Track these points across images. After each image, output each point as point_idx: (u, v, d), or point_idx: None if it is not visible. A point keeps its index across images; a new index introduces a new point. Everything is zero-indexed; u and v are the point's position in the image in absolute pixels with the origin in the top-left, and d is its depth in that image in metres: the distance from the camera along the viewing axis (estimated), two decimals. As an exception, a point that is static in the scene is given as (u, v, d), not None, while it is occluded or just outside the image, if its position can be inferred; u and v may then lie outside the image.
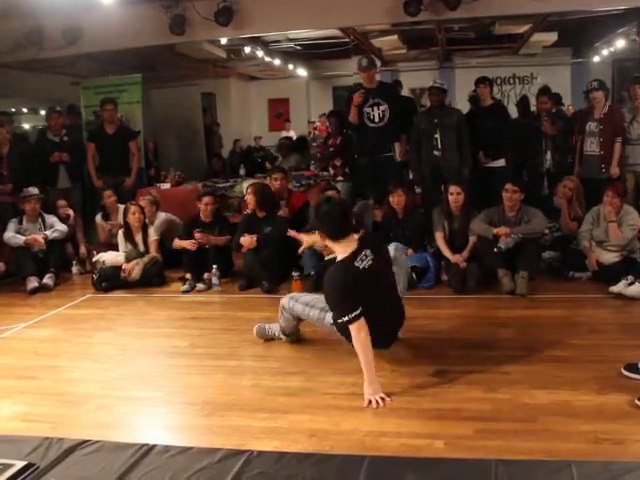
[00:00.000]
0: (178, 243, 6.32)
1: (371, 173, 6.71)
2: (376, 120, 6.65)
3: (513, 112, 8.53)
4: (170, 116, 11.32)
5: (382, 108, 6.64)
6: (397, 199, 6.08)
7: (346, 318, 3.43)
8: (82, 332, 4.97)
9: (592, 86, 6.58)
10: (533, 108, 8.10)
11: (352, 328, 3.44)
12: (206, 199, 6.44)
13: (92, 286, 6.25)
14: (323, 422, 3.20)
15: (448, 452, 2.84)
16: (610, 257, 5.63)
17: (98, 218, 7.22)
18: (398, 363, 3.91)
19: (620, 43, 11.27)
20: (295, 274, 5.75)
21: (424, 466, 2.70)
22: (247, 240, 6.05)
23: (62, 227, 6.75)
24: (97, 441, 2.94)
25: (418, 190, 7.05)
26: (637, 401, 3.19)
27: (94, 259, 6.58)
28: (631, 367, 3.54)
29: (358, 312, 3.42)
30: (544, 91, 7.43)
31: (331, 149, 8.31)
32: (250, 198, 6.27)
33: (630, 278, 5.16)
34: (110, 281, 6.24)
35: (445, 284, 5.79)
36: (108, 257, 6.45)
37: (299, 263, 6.09)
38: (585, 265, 5.72)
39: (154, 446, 2.88)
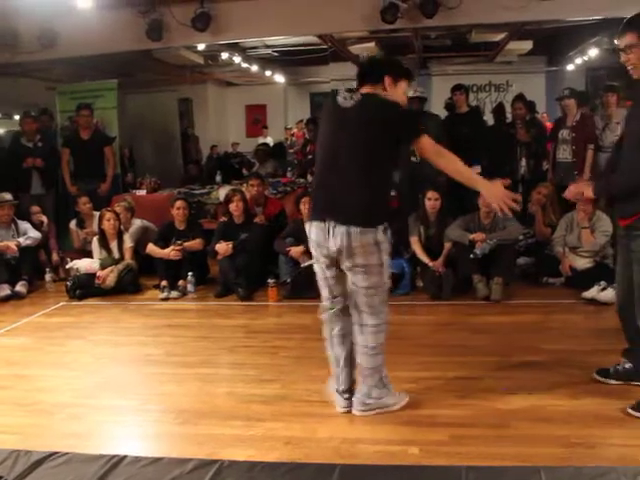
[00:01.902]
0: (157, 252, 6.26)
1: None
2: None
3: (491, 120, 8.62)
4: (146, 122, 11.28)
5: None
6: None
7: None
8: (55, 340, 4.90)
9: (564, 94, 6.67)
10: (509, 115, 8.18)
11: (424, 141, 3.19)
12: (178, 203, 6.44)
13: (66, 294, 6.18)
14: (298, 430, 3.19)
15: (423, 458, 2.84)
16: (583, 263, 5.70)
17: (73, 225, 7.14)
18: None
19: (593, 52, 11.44)
20: (271, 281, 5.76)
21: (395, 473, 2.70)
22: (223, 247, 6.03)
23: (35, 234, 6.66)
24: (66, 453, 2.89)
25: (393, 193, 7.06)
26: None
27: (68, 266, 6.51)
28: (603, 372, 3.58)
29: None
30: (519, 98, 7.50)
31: (309, 156, 8.32)
32: (240, 205, 6.23)
33: (603, 283, 5.23)
34: (84, 289, 6.17)
35: (421, 290, 5.83)
36: (82, 264, 6.38)
37: (275, 270, 6.09)
38: (559, 271, 5.79)
39: (124, 457, 2.84)
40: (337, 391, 3.39)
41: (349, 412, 3.32)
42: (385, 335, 3.28)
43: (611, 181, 3.28)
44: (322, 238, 3.15)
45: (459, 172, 3.21)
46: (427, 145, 3.19)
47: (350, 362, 3.36)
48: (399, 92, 3.30)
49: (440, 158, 3.21)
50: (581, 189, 3.45)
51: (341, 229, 3.06)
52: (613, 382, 3.52)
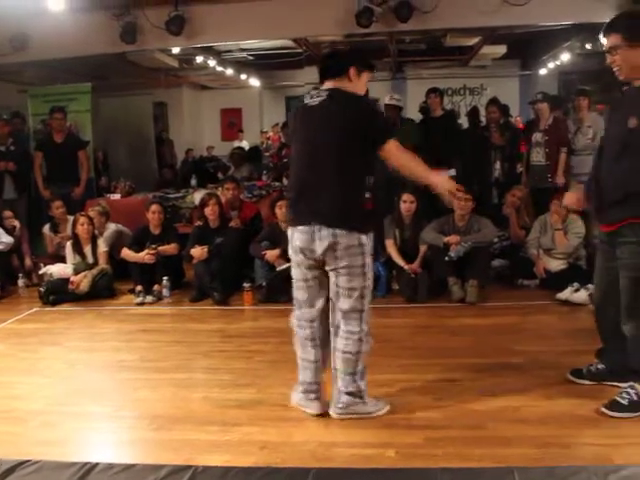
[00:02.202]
0: (131, 256, 6.21)
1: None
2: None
3: (466, 123, 8.70)
4: (121, 125, 11.17)
5: None
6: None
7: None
8: (28, 347, 4.83)
9: (537, 98, 6.75)
10: (483, 119, 8.25)
11: (391, 145, 3.20)
12: (154, 207, 6.40)
13: (39, 299, 6.08)
14: (274, 434, 3.17)
15: (399, 461, 2.84)
16: (557, 264, 5.77)
17: (46, 229, 7.05)
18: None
19: (565, 56, 11.59)
20: (246, 285, 5.73)
21: (370, 476, 2.71)
22: (197, 251, 6.01)
23: (7, 239, 6.56)
24: (37, 461, 2.84)
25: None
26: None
27: (41, 271, 6.43)
28: (576, 372, 3.62)
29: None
30: (493, 102, 7.57)
31: (285, 160, 8.31)
32: (215, 209, 6.21)
33: (576, 285, 5.29)
34: (58, 294, 6.08)
35: (396, 293, 5.84)
36: (56, 269, 6.31)
37: (251, 274, 6.07)
38: (533, 273, 5.84)
39: (97, 464, 2.80)
40: (310, 398, 3.37)
41: (324, 415, 3.32)
42: (369, 345, 3.26)
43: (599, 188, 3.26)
44: (308, 242, 3.13)
45: (412, 171, 3.29)
46: (393, 149, 3.19)
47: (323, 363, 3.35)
48: (362, 83, 3.32)
49: (398, 160, 3.24)
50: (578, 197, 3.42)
51: (328, 231, 3.06)
52: (586, 382, 3.55)
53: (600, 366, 3.54)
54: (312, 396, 3.35)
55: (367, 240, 3.16)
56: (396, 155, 3.21)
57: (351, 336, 3.19)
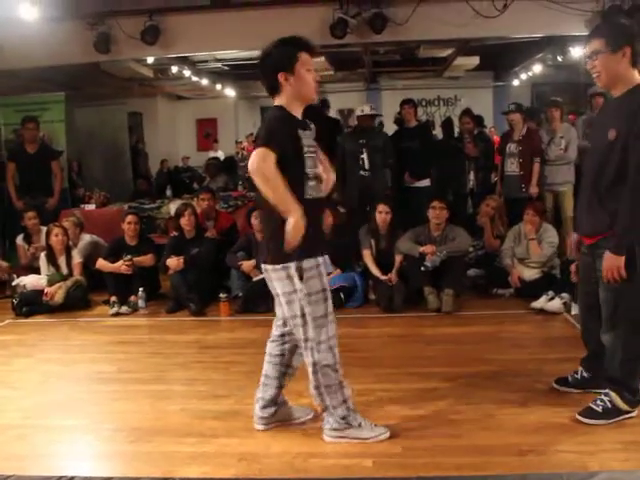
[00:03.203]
0: (107, 267, 6.16)
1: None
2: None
3: (441, 134, 8.77)
4: (95, 136, 11.12)
5: None
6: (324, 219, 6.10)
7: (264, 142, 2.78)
8: (1, 359, 4.75)
9: (509, 109, 6.83)
10: (457, 129, 8.33)
11: (258, 153, 2.75)
12: (130, 218, 6.37)
13: (12, 311, 6.02)
14: (253, 445, 3.17)
15: (376, 471, 2.85)
16: (531, 273, 5.82)
17: (19, 240, 6.97)
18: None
19: (537, 68, 11.78)
20: (223, 295, 5.72)
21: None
22: (173, 262, 5.97)
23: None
24: (9, 475, 2.80)
25: (342, 210, 7.08)
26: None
27: (14, 283, 6.34)
28: (562, 381, 3.64)
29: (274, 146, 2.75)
30: (466, 113, 7.64)
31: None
32: (191, 219, 6.18)
33: (550, 293, 5.36)
34: (31, 306, 6.01)
35: (373, 303, 5.87)
36: (29, 281, 6.24)
37: (226, 284, 6.06)
38: (508, 282, 5.90)
39: (72, 478, 2.77)
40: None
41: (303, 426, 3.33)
42: (330, 377, 3.05)
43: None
44: None
45: (270, 194, 2.79)
46: (258, 157, 2.75)
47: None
48: (304, 79, 2.88)
49: (258, 170, 2.76)
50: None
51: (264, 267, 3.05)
52: (573, 390, 3.57)
53: (585, 374, 3.55)
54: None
55: (296, 264, 2.88)
56: (257, 163, 2.75)
57: (308, 366, 3.08)
